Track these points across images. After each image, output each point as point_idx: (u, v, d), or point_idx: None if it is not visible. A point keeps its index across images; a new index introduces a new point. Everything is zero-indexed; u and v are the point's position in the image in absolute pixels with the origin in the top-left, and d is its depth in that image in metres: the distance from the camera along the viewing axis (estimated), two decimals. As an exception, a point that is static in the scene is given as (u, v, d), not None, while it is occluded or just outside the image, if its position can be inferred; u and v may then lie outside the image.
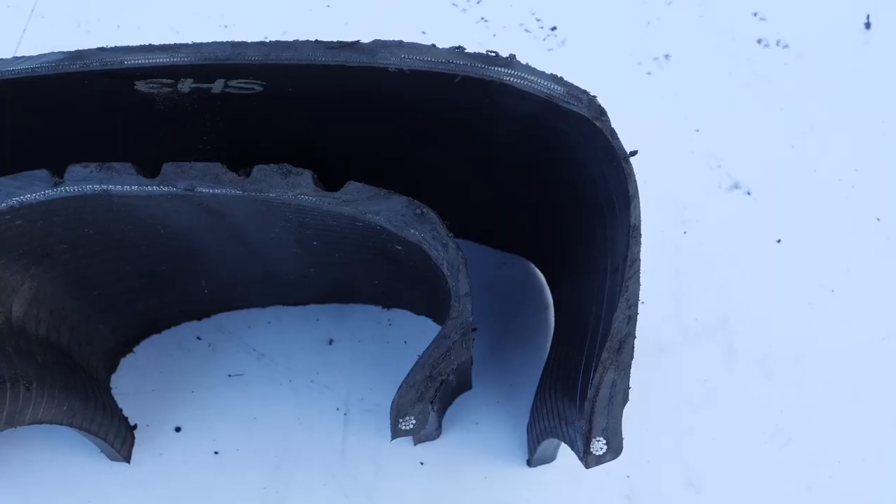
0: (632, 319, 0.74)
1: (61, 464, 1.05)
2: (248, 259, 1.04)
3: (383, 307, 1.20)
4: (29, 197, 0.74)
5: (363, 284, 1.14)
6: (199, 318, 1.18)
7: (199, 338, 1.16)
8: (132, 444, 1.06)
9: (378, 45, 0.71)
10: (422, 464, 1.07)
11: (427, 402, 0.76)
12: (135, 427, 1.08)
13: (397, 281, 1.09)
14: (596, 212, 0.86)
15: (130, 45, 0.77)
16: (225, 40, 0.73)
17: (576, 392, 0.80)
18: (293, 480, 1.06)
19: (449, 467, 1.07)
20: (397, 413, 0.77)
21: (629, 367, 0.76)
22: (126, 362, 1.14)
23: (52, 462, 1.05)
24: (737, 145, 1.36)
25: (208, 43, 0.72)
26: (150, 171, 0.76)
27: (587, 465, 0.77)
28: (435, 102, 0.85)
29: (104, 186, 0.74)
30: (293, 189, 0.75)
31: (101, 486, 1.04)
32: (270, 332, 1.17)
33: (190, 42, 0.72)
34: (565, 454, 1.07)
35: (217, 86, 0.84)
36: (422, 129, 0.92)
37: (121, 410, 1.07)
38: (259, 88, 0.85)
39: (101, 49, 0.72)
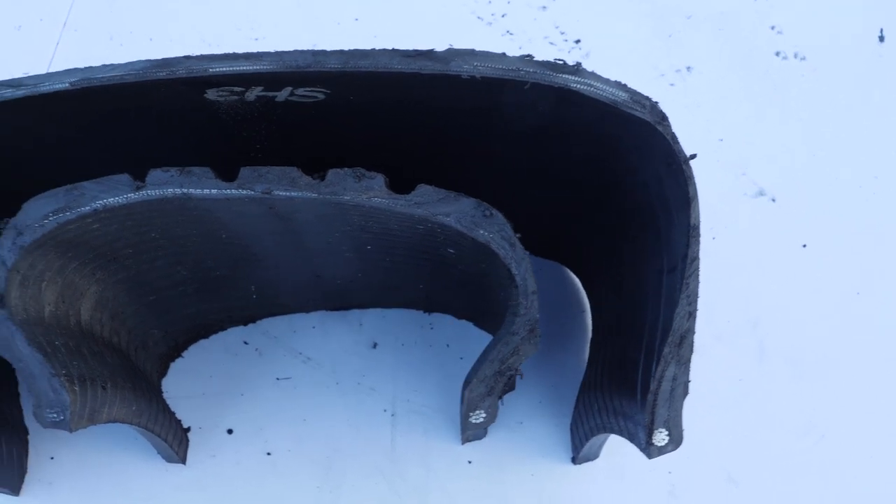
0: (692, 315, 0.78)
1: (120, 465, 1.07)
2: (301, 264, 1.07)
3: (424, 311, 1.23)
4: (112, 200, 0.76)
5: (407, 289, 1.17)
6: (246, 324, 1.21)
7: (245, 342, 1.19)
8: (187, 446, 1.08)
9: (452, 53, 0.74)
10: (470, 462, 1.10)
11: (496, 397, 0.79)
12: (188, 429, 1.10)
13: (443, 285, 1.12)
14: (647, 214, 0.90)
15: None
16: (304, 49, 0.76)
17: (635, 387, 0.83)
18: (345, 480, 1.08)
19: (496, 465, 1.09)
20: (468, 407, 0.79)
21: (689, 361, 0.79)
22: (175, 366, 1.16)
23: (111, 464, 1.07)
24: (760, 154, 1.41)
25: (290, 51, 0.75)
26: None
27: (650, 456, 0.80)
28: (490, 112, 0.89)
29: (184, 190, 0.77)
30: (366, 192, 0.78)
31: (158, 486, 1.06)
32: (315, 337, 1.20)
33: (272, 50, 0.75)
34: (608, 452, 1.10)
35: (283, 94, 0.87)
36: (474, 137, 0.95)
37: (174, 413, 1.09)
38: (321, 97, 0.88)
39: (188, 57, 0.75)
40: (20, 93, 0.72)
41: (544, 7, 1.66)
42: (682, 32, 1.62)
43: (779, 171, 1.40)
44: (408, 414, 1.13)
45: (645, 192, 0.88)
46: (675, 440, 0.79)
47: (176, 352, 1.16)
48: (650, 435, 0.78)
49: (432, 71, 0.74)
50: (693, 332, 0.78)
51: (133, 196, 0.76)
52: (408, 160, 0.99)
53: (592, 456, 1.09)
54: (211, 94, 0.85)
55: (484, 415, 0.79)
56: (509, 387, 1.11)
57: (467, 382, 0.82)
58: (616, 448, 1.09)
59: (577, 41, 1.59)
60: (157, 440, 0.98)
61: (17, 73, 1.47)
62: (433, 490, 1.08)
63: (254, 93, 0.86)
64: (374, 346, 1.19)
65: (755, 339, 1.21)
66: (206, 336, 1.19)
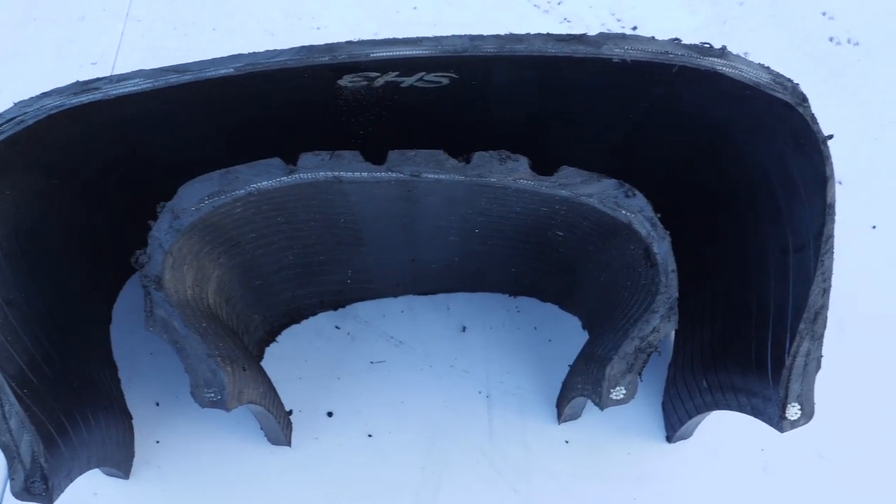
0: (826, 292, 0.80)
1: (226, 448, 1.08)
2: (402, 248, 1.08)
3: (510, 295, 1.25)
4: (265, 184, 0.78)
5: (498, 273, 1.18)
6: (336, 308, 1.22)
7: (337, 327, 1.20)
8: (291, 429, 1.10)
9: (603, 37, 0.76)
10: (567, 442, 1.12)
11: (636, 374, 0.81)
12: (290, 412, 1.11)
13: (536, 268, 1.14)
14: (759, 194, 0.92)
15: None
16: (461, 34, 0.77)
17: (763, 364, 0.85)
18: (447, 460, 1.10)
19: (593, 445, 1.12)
20: (609, 383, 0.81)
21: (822, 336, 0.81)
22: (271, 351, 1.17)
23: (216, 447, 1.09)
24: (823, 138, 1.43)
25: (448, 36, 0.76)
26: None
27: (782, 430, 0.82)
28: (611, 93, 0.91)
29: (335, 173, 0.78)
30: (511, 174, 0.79)
31: (265, 468, 1.07)
32: (405, 321, 1.21)
33: (431, 35, 0.76)
34: (701, 430, 1.12)
35: (411, 79, 0.88)
36: (589, 118, 0.97)
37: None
38: (446, 82, 0.90)
39: (350, 42, 0.76)
40: (185, 78, 0.73)
41: (599, -6, 1.67)
42: (737, 19, 1.64)
43: (843, 155, 1.41)
44: (502, 395, 1.15)
45: (762, 173, 0.90)
46: (808, 414, 0.81)
47: (271, 336, 1.18)
48: (783, 409, 0.80)
49: (584, 54, 0.75)
50: (827, 308, 0.80)
51: (286, 179, 0.78)
52: (512, 141, 1.00)
53: (687, 435, 1.12)
54: (343, 81, 0.86)
55: (624, 391, 0.81)
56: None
57: (605, 360, 0.84)
58: (709, 426, 1.12)
59: (634, 28, 1.61)
60: (272, 422, 0.99)
61: (85, 63, 1.47)
62: (533, 468, 1.10)
63: (384, 79, 0.87)
64: (464, 329, 1.21)
65: (834, 318, 1.23)
66: (298, 321, 1.20)
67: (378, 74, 0.85)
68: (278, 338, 1.19)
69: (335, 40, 0.81)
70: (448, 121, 0.99)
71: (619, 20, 1.64)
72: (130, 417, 1.09)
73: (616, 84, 0.85)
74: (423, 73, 0.86)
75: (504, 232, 1.03)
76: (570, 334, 1.21)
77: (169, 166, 0.98)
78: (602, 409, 0.83)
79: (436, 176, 0.78)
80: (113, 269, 1.17)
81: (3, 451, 0.78)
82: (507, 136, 1.02)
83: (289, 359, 1.17)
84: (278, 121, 0.96)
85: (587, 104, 0.94)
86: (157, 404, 1.12)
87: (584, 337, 1.20)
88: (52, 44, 1.52)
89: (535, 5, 1.66)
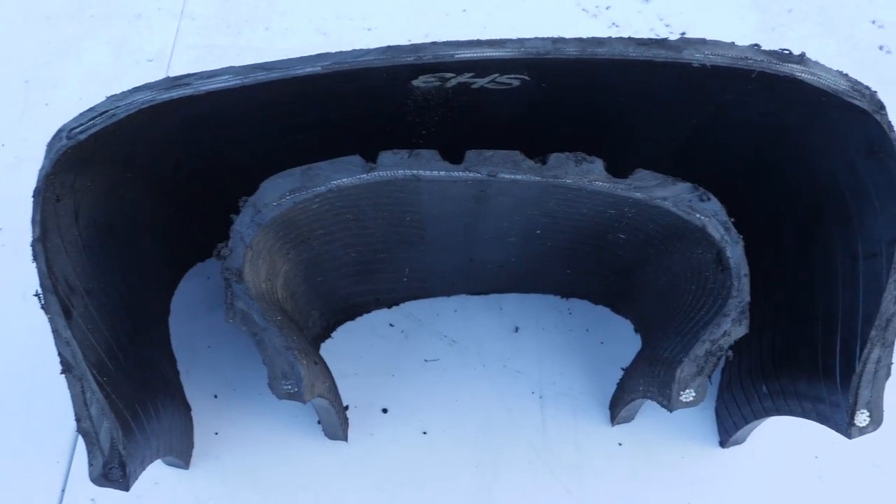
0: (898, 299, 0.80)
1: (284, 442, 1.10)
2: (461, 248, 1.09)
3: (562, 297, 1.25)
4: (345, 181, 0.79)
5: (553, 274, 1.19)
6: (390, 306, 1.23)
7: (391, 325, 1.21)
8: (348, 424, 1.11)
9: (684, 41, 0.77)
10: (620, 444, 1.12)
11: (706, 377, 0.82)
12: (346, 408, 1.13)
13: (591, 270, 1.15)
14: (829, 202, 0.92)
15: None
16: (544, 36, 0.78)
17: (830, 370, 0.85)
18: (501, 459, 1.11)
19: (646, 448, 1.12)
20: (679, 386, 0.82)
21: (893, 344, 0.81)
22: (326, 347, 1.19)
23: (274, 440, 1.10)
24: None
25: (531, 38, 0.77)
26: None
27: (850, 437, 0.82)
28: (681, 98, 0.92)
29: (413, 172, 0.79)
30: (587, 175, 0.80)
31: (323, 463, 1.09)
32: (458, 320, 1.23)
33: (514, 38, 0.77)
34: (755, 436, 1.13)
35: (483, 81, 0.89)
36: (657, 122, 0.98)
37: (335, 392, 1.11)
38: (517, 83, 0.91)
39: (435, 43, 0.77)
40: (273, 75, 0.75)
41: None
42: (786, 26, 1.65)
43: None
44: (555, 396, 1.16)
45: (828, 178, 0.90)
46: (876, 420, 0.81)
47: (327, 332, 1.19)
48: (852, 416, 0.81)
49: (665, 59, 0.76)
50: (899, 315, 0.80)
51: (365, 177, 0.79)
52: (571, 144, 1.01)
53: (741, 440, 1.12)
54: (418, 81, 0.87)
55: (694, 394, 0.82)
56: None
57: (674, 363, 0.85)
58: (762, 432, 1.12)
59: (683, 33, 1.61)
60: (333, 417, 1.00)
61: (141, 60, 1.49)
62: (587, 470, 1.11)
63: (457, 80, 0.88)
64: (516, 329, 1.22)
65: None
66: (353, 318, 1.22)
67: (453, 75, 0.86)
68: (333, 334, 1.20)
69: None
70: (511, 123, 1.00)
71: (667, 25, 1.64)
72: (189, 409, 1.11)
73: (688, 88, 0.86)
74: (497, 74, 0.87)
75: (565, 234, 1.04)
76: (622, 337, 1.21)
77: (235, 164, 1.00)
78: (671, 411, 0.84)
79: (512, 176, 0.79)
80: (174, 263, 1.19)
81: (84, 436, 0.79)
82: (567, 138, 1.03)
83: (344, 355, 1.18)
84: (346, 120, 0.97)
85: (654, 108, 0.94)
86: (216, 396, 1.13)
87: (636, 340, 1.21)
88: (109, 41, 1.55)
89: (583, 9, 1.67)
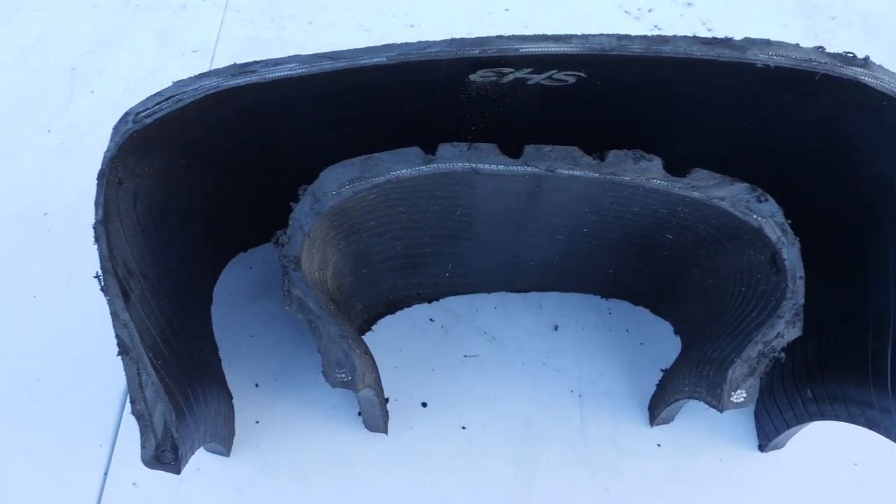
0: (958, 305, 0.80)
1: (325, 432, 1.10)
2: (506, 244, 1.10)
3: (602, 297, 1.25)
4: (404, 172, 0.79)
5: (595, 273, 1.19)
6: (430, 301, 1.24)
7: (431, 320, 1.22)
8: (388, 417, 1.11)
9: (748, 42, 0.77)
10: (659, 445, 1.12)
11: (757, 378, 0.82)
12: (386, 401, 1.13)
13: (635, 271, 1.15)
14: (885, 207, 0.92)
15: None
16: (609, 33, 0.78)
17: (880, 375, 0.85)
18: (539, 456, 1.11)
19: (685, 449, 1.12)
20: (730, 386, 0.82)
21: (949, 349, 0.81)
22: (366, 340, 1.18)
23: (315, 430, 1.10)
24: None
25: (596, 34, 0.78)
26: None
27: (906, 442, 0.82)
28: (736, 104, 0.92)
29: (472, 165, 0.79)
30: (645, 173, 0.80)
31: (363, 454, 1.09)
32: (498, 317, 1.23)
33: (579, 34, 0.77)
34: (794, 441, 1.12)
35: (539, 77, 0.89)
36: (709, 122, 0.97)
37: (376, 384, 1.12)
38: (573, 80, 0.91)
39: (500, 37, 0.78)
40: (340, 65, 0.75)
41: (690, 3, 1.68)
42: (829, 33, 1.64)
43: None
44: (594, 396, 1.16)
45: (884, 183, 0.90)
46: (933, 426, 0.81)
47: (368, 325, 1.19)
48: (908, 421, 0.80)
49: (729, 59, 0.76)
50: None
51: (424, 168, 0.79)
52: (619, 142, 1.01)
53: (780, 444, 1.12)
54: (475, 75, 0.87)
55: (744, 395, 0.82)
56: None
57: (725, 363, 0.85)
58: (802, 437, 1.11)
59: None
60: (377, 409, 1.01)
61: (186, 50, 1.50)
62: (625, 470, 1.10)
63: (514, 75, 0.88)
64: (556, 328, 1.22)
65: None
66: (393, 312, 1.22)
67: (511, 70, 0.87)
68: (374, 327, 1.20)
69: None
70: (560, 118, 1.00)
71: (709, 29, 1.64)
72: (231, 397, 1.12)
73: (747, 89, 0.86)
74: (556, 70, 0.87)
75: (613, 233, 1.04)
76: (661, 338, 1.21)
77: (285, 153, 1.01)
78: (721, 411, 0.83)
79: (570, 172, 0.79)
80: (219, 252, 1.20)
81: (137, 419, 0.80)
82: (617, 136, 1.03)
83: (384, 348, 1.18)
84: (398, 113, 0.98)
85: (709, 108, 0.94)
86: (257, 385, 1.14)
87: (676, 342, 1.20)
88: (153, 30, 1.56)
89: (626, 11, 1.67)
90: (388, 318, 1.22)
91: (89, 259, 1.24)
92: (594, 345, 1.21)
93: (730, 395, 0.82)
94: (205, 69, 1.32)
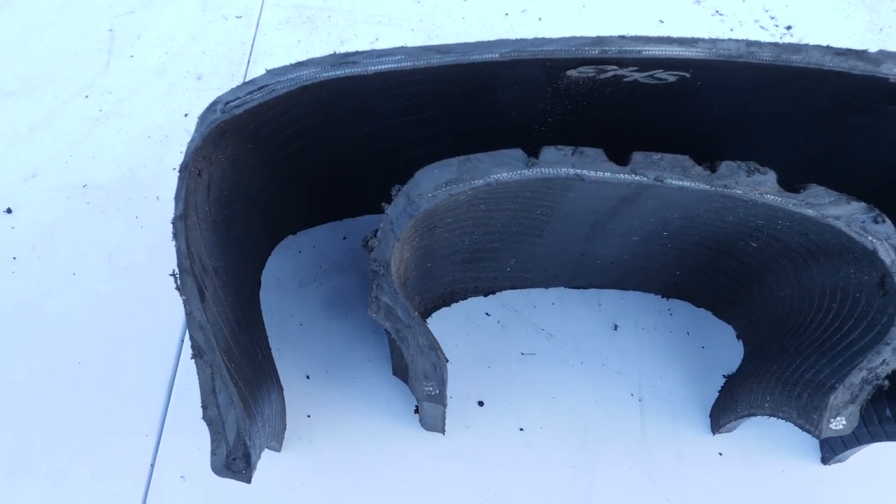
0: None
1: (378, 430, 1.07)
2: (577, 243, 1.05)
3: (663, 297, 1.21)
4: (505, 175, 0.74)
5: (661, 273, 1.15)
6: (486, 295, 1.19)
7: (487, 314, 1.18)
8: (445, 416, 1.07)
9: (883, 55, 0.72)
10: (721, 454, 1.09)
11: (859, 405, 0.78)
12: (443, 399, 1.09)
13: (706, 274, 1.11)
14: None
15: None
16: (737, 38, 0.73)
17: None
18: (599, 462, 1.07)
19: (747, 459, 1.09)
20: (830, 413, 0.78)
21: None
22: (421, 333, 1.15)
23: (369, 427, 1.07)
24: None
25: (724, 39, 0.72)
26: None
27: None
28: (835, 112, 0.87)
29: (577, 171, 0.75)
30: (758, 187, 0.75)
31: (418, 453, 1.06)
32: (556, 314, 1.19)
33: (706, 38, 0.72)
34: (858, 456, 1.09)
35: (640, 75, 0.84)
36: (797, 132, 0.93)
37: (434, 381, 1.08)
38: (673, 79, 0.86)
39: (622, 37, 0.72)
40: (449, 59, 0.70)
41: (751, -12, 1.62)
42: (894, 27, 1.58)
43: None
44: (655, 400, 1.12)
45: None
46: None
47: (423, 318, 1.15)
48: None
49: (862, 71, 0.71)
50: None
51: (526, 172, 0.74)
52: (699, 144, 0.97)
53: (843, 458, 1.09)
54: (573, 71, 0.82)
55: (844, 422, 0.78)
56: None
57: (824, 387, 0.81)
58: (864, 452, 1.08)
59: (788, 27, 1.55)
60: (441, 412, 0.97)
61: (230, 15, 1.43)
62: (686, 478, 1.07)
63: (614, 72, 0.83)
64: (616, 327, 1.18)
65: None
66: (448, 304, 1.18)
67: (615, 68, 0.81)
68: (429, 320, 1.16)
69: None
70: (642, 117, 0.95)
71: (772, 17, 1.58)
72: (282, 389, 1.07)
73: (854, 98, 0.81)
74: (661, 70, 0.82)
75: (694, 237, 0.99)
76: (723, 343, 1.17)
77: (348, 138, 0.95)
78: (819, 438, 0.80)
79: (680, 183, 0.75)
80: (269, 235, 1.15)
81: (209, 425, 0.76)
82: (697, 138, 0.98)
83: (439, 342, 1.14)
84: (476, 104, 0.93)
85: (806, 115, 0.89)
86: (308, 377, 1.10)
87: (738, 347, 1.17)
88: (195, -7, 1.49)
89: (685, -6, 1.60)
90: (444, 310, 1.18)
91: (132, 236, 1.19)
92: (654, 347, 1.17)
93: (829, 422, 0.78)
94: (249, 37, 1.25)
